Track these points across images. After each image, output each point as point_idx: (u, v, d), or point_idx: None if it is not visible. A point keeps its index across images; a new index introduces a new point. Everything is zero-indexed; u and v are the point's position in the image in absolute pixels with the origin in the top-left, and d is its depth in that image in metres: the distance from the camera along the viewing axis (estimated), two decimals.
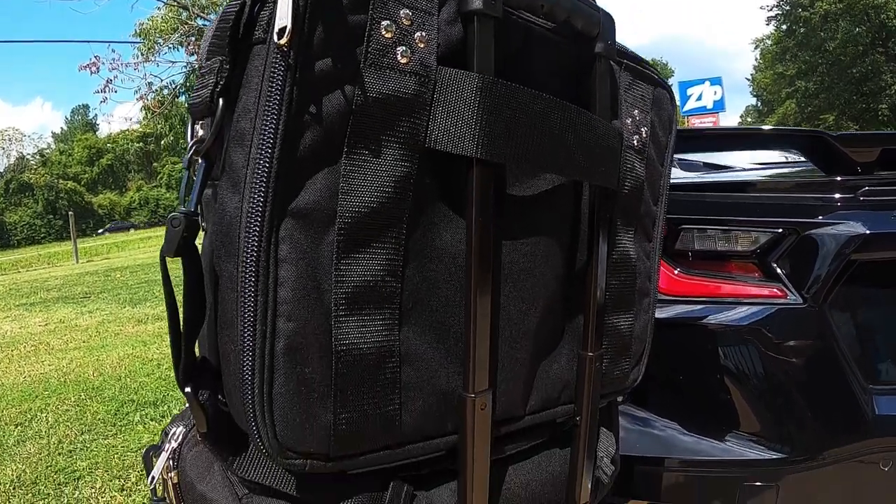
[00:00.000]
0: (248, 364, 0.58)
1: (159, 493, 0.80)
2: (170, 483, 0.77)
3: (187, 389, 0.65)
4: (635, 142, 0.90)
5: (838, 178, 1.57)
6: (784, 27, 36.79)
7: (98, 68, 11.04)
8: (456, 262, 0.70)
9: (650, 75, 0.94)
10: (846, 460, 1.37)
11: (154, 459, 0.79)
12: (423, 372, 0.68)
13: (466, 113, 0.64)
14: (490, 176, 0.67)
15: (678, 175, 1.98)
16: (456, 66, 0.65)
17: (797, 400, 1.40)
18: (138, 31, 12.47)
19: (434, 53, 0.64)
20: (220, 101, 0.60)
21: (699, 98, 17.12)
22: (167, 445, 0.78)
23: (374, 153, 0.62)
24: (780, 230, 1.41)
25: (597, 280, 0.85)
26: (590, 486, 0.94)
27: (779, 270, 1.42)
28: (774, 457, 1.37)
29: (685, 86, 17.77)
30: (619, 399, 1.34)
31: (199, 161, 0.65)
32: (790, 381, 1.40)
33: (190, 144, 0.65)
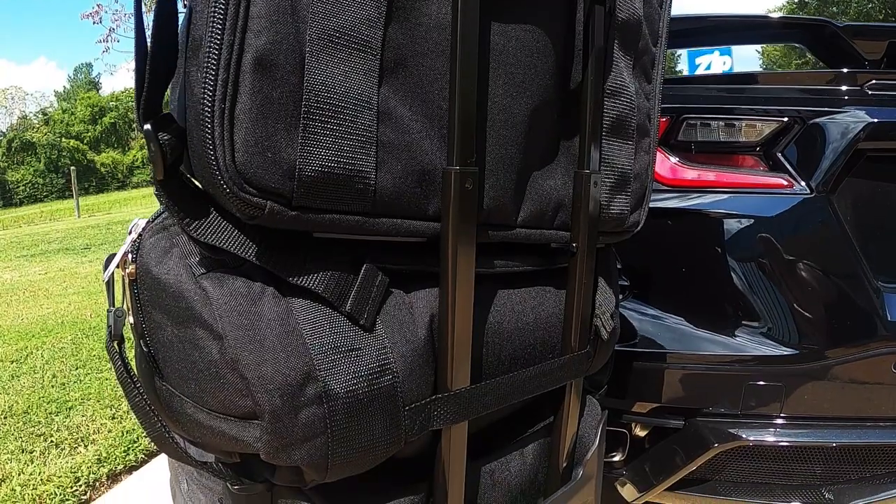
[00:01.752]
0: (211, 77, 0.56)
1: (117, 302, 0.75)
2: (126, 280, 0.72)
3: (147, 127, 0.61)
4: None
5: (844, 71, 1.51)
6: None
7: (101, 18, 10.94)
8: (444, 34, 0.68)
9: None
10: (856, 360, 1.32)
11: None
12: (403, 136, 0.66)
13: None
14: None
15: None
16: None
17: (805, 294, 1.35)
18: None
19: None
20: None
21: (708, 67, 16.85)
22: (128, 238, 0.74)
23: None
24: (786, 119, 1.37)
25: (590, 87, 0.84)
26: (588, 334, 0.91)
27: (784, 161, 1.37)
28: (780, 353, 1.33)
29: (694, 55, 17.48)
30: (621, 296, 1.30)
31: None
32: (798, 274, 1.35)
33: None
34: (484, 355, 0.80)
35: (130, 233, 0.74)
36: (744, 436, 1.32)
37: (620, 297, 1.21)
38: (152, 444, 2.41)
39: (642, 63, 0.95)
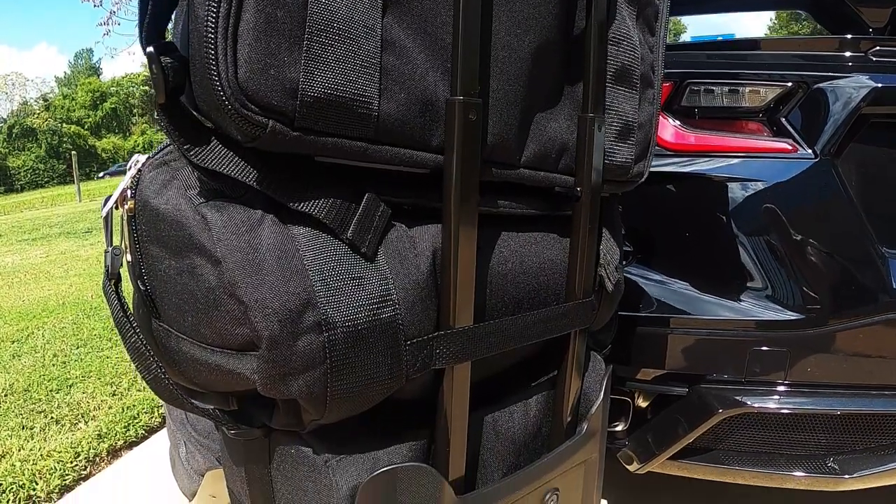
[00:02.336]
0: None
1: (115, 241, 0.75)
2: (125, 217, 0.72)
3: (149, 49, 0.61)
4: None
5: (848, 37, 1.49)
6: None
7: (101, 1, 10.94)
8: None
9: None
10: (861, 327, 1.31)
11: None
12: (406, 65, 0.66)
13: None
14: None
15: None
16: None
17: (809, 259, 1.34)
18: None
19: None
20: None
21: None
22: (127, 174, 0.73)
23: None
24: (790, 84, 1.36)
25: (594, 32, 0.84)
26: (592, 283, 0.90)
27: (788, 125, 1.36)
28: (785, 318, 1.31)
29: (696, 39, 17.53)
30: (625, 262, 1.28)
31: None
32: (802, 238, 1.34)
33: None
34: (487, 295, 0.80)
35: (130, 168, 0.73)
36: (748, 402, 1.30)
37: (624, 262, 1.20)
38: (152, 419, 2.41)
39: (646, 15, 0.95)
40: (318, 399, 0.65)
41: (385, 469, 0.70)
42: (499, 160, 0.77)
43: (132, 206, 0.71)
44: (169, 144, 0.74)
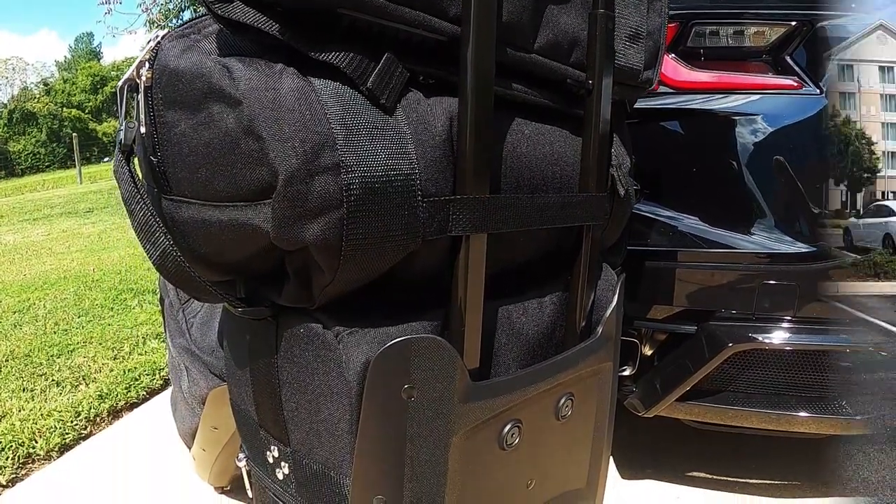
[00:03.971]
0: None
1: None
2: (141, 89, 0.70)
3: None
4: None
5: None
6: None
7: None
8: None
9: None
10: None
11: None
12: None
13: None
14: None
15: None
16: None
17: (815, 192, 1.34)
18: None
19: None
20: None
21: None
22: (146, 46, 0.72)
23: None
24: (794, 24, 1.37)
25: None
26: (605, 179, 0.94)
27: (793, 63, 1.37)
28: (793, 251, 1.31)
29: None
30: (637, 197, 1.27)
31: None
32: (809, 173, 1.34)
33: None
34: (503, 173, 0.80)
35: (148, 43, 0.72)
36: (758, 338, 1.29)
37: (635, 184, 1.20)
38: (153, 381, 2.39)
39: None
40: (333, 249, 0.64)
41: (398, 340, 0.68)
42: (513, 41, 0.78)
43: (149, 75, 0.70)
44: (186, 23, 0.73)
